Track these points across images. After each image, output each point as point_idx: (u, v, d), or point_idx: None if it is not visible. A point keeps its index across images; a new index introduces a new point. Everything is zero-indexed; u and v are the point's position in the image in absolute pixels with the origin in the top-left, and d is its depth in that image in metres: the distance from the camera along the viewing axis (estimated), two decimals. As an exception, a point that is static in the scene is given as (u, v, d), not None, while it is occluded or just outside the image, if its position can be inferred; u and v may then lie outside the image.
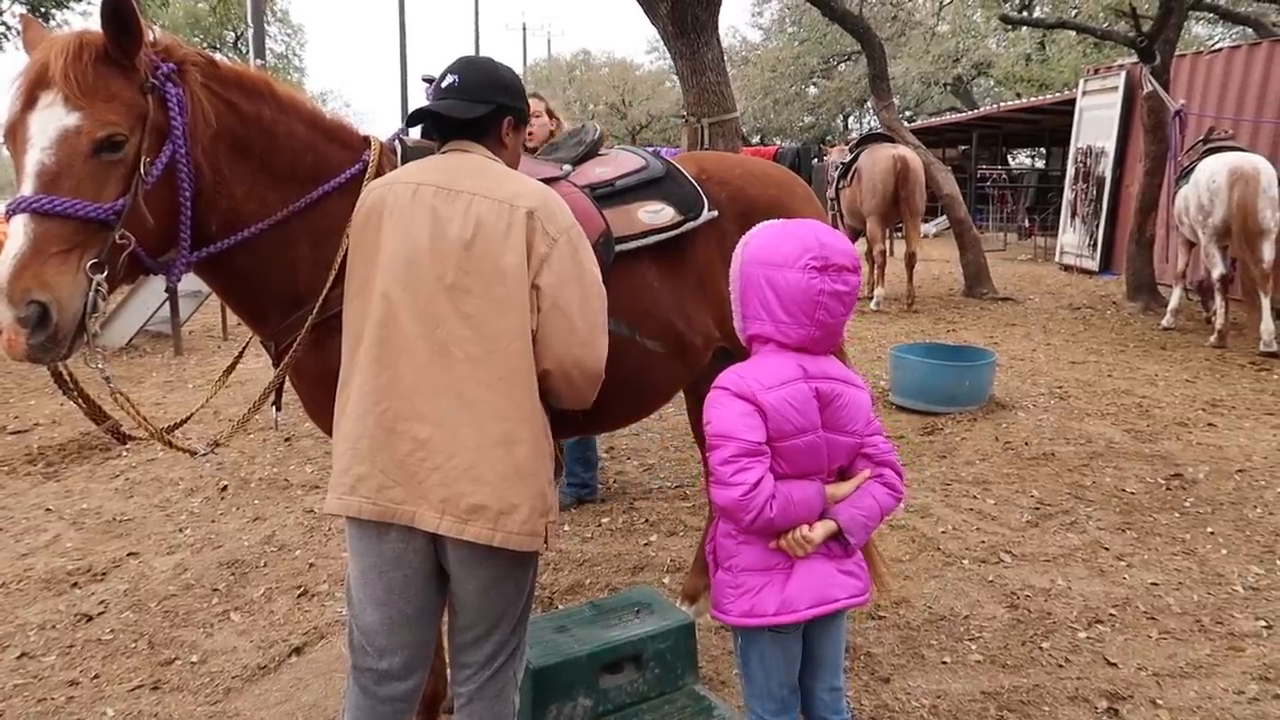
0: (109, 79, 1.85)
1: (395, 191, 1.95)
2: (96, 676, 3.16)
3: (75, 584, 3.84)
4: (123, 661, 3.26)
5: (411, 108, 2.12)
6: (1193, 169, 8.38)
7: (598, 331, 2.00)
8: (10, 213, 1.78)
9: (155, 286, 7.97)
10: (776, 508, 1.88)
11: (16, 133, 1.83)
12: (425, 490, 1.85)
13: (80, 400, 2.02)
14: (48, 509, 4.69)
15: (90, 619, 3.55)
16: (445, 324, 1.86)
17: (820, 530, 1.96)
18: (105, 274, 1.83)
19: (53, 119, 1.80)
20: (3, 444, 5.75)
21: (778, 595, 1.96)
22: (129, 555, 4.13)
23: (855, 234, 10.87)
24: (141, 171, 1.87)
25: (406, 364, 1.87)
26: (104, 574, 3.94)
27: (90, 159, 1.82)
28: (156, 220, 1.92)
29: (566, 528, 4.43)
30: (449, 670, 2.15)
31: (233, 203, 2.08)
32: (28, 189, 1.78)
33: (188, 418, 2.30)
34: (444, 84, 2.05)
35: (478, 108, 2.02)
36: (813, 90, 33.64)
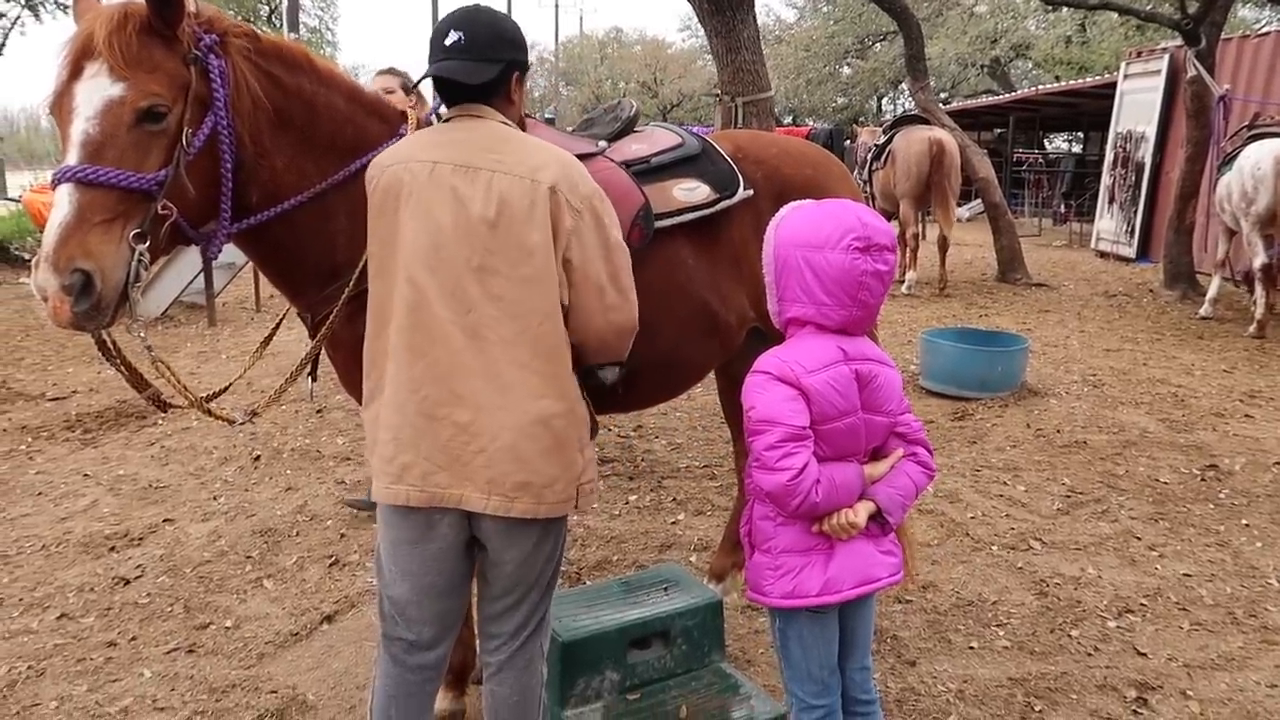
0: (152, 49, 1.87)
1: (412, 170, 1.89)
2: (134, 638, 3.23)
3: (113, 548, 3.92)
4: (159, 625, 3.33)
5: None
6: (1236, 155, 8.22)
7: (628, 292, 2.00)
8: (56, 182, 1.80)
9: (190, 258, 8.05)
10: (821, 492, 1.88)
11: (63, 103, 1.85)
12: (470, 472, 1.86)
13: (123, 368, 2.04)
14: (86, 475, 4.78)
15: (127, 582, 3.62)
16: (476, 308, 1.85)
17: (863, 513, 1.95)
18: (147, 244, 1.85)
19: (98, 89, 1.82)
20: (42, 410, 5.86)
21: (820, 576, 1.96)
22: (165, 521, 4.21)
23: (888, 216, 10.75)
24: (184, 142, 1.88)
25: (441, 350, 1.86)
26: (140, 539, 4.02)
27: (134, 129, 1.83)
28: (198, 191, 1.94)
29: (595, 504, 4.45)
30: (477, 640, 2.17)
31: (273, 174, 2.09)
32: (73, 158, 1.80)
33: (226, 388, 2.33)
34: (447, 42, 1.91)
35: (490, 68, 1.91)
36: (847, 70, 33.20)
